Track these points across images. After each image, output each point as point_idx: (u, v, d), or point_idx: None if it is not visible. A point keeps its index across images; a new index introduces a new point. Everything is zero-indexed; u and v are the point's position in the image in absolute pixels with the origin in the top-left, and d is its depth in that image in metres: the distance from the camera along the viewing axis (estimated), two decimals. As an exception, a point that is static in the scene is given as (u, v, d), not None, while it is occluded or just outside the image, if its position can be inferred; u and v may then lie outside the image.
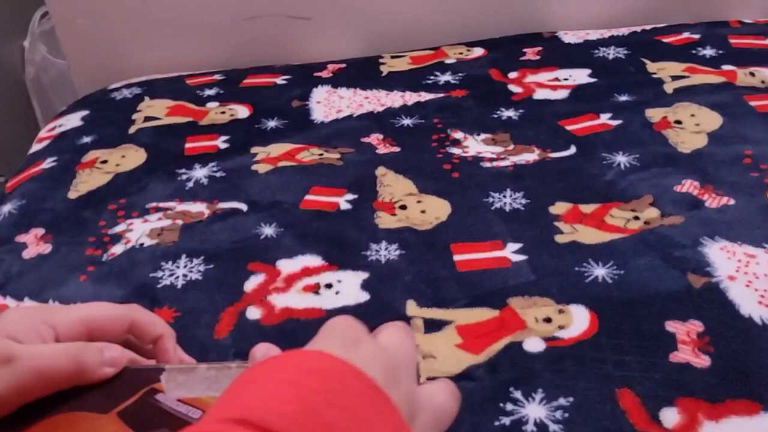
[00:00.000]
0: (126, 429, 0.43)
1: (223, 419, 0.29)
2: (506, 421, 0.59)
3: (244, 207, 0.88)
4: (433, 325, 0.69)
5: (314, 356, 0.34)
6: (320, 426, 0.29)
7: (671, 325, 0.66)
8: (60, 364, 0.42)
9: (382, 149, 0.98)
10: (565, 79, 1.13)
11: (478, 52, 1.25)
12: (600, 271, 0.73)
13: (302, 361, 0.33)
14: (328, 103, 1.12)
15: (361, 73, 1.21)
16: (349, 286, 0.75)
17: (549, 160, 0.93)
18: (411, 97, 1.11)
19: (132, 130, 1.09)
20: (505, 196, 0.86)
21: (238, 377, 0.34)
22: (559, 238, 0.79)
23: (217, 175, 0.95)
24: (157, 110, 1.14)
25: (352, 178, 0.92)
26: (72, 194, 0.94)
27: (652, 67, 1.13)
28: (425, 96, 1.11)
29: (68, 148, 1.07)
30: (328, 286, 0.75)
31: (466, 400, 0.61)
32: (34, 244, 0.86)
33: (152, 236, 0.84)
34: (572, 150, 0.95)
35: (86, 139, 1.08)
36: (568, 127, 1.00)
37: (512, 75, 1.16)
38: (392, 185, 0.90)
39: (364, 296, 0.73)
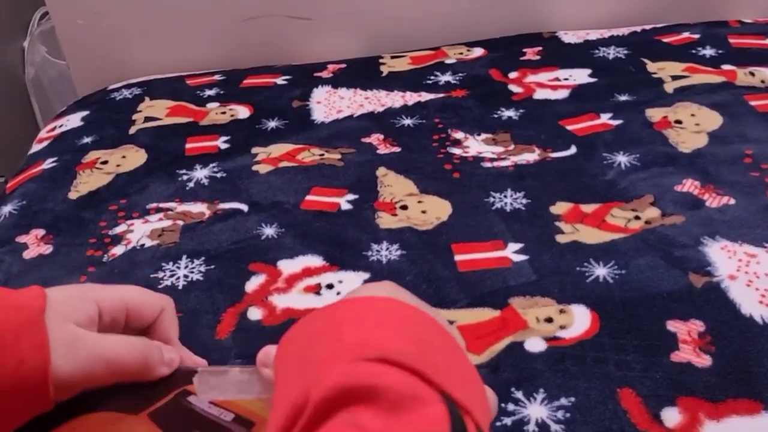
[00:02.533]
0: (157, 430, 0.43)
1: (359, 358, 0.30)
2: (508, 421, 0.59)
3: (244, 207, 0.88)
4: (434, 325, 0.69)
5: (392, 304, 0.36)
6: (433, 364, 0.31)
7: (672, 325, 0.66)
8: (128, 358, 0.43)
9: (382, 149, 0.99)
10: (566, 79, 1.13)
11: (479, 52, 1.25)
12: (601, 271, 0.73)
13: (384, 308, 0.35)
14: (329, 104, 1.12)
15: (361, 73, 1.21)
16: (350, 287, 0.74)
17: (549, 160, 0.93)
18: (411, 98, 1.12)
19: (132, 130, 1.09)
20: (505, 196, 0.86)
21: (325, 318, 0.35)
22: (560, 238, 0.79)
23: (218, 175, 0.95)
24: (158, 111, 1.14)
25: (352, 178, 0.92)
26: (72, 195, 0.94)
27: (652, 66, 1.14)
28: (425, 96, 1.12)
29: (68, 148, 1.07)
30: (330, 286, 0.75)
31: (467, 400, 0.61)
32: (34, 244, 0.86)
33: (153, 237, 0.84)
34: (573, 150, 0.95)
35: (86, 140, 1.08)
36: (569, 127, 1.00)
37: (512, 75, 1.16)
38: (393, 185, 0.90)
39: (365, 296, 0.73)
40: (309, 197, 0.89)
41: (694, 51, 1.17)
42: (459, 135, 1.00)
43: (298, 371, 0.32)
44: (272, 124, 1.08)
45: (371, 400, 0.29)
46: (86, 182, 0.97)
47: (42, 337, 0.39)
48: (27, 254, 0.84)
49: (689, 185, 0.85)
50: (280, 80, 1.21)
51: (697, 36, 1.22)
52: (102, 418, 0.43)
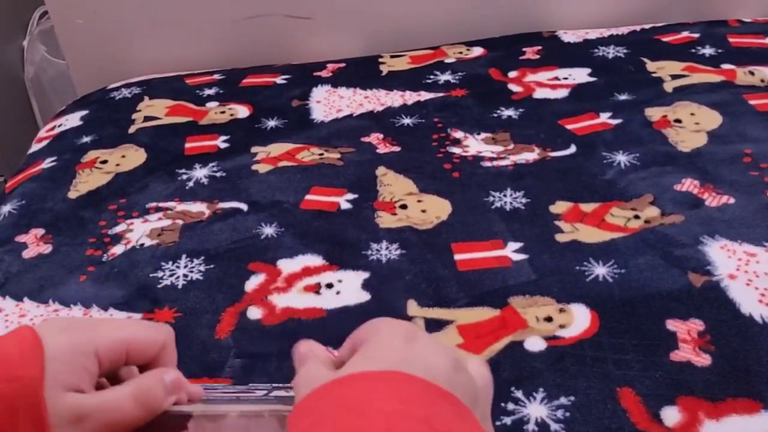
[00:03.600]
0: None
1: None
2: (507, 420, 0.59)
3: (244, 207, 0.88)
4: (434, 325, 0.69)
5: (403, 381, 0.35)
6: None
7: (672, 324, 0.66)
8: (130, 413, 0.41)
9: (382, 149, 0.98)
10: (565, 79, 1.13)
11: (478, 51, 1.25)
12: (600, 270, 0.73)
13: (394, 388, 0.34)
14: (328, 103, 1.12)
15: (360, 72, 1.21)
16: (349, 286, 0.75)
17: (549, 159, 0.93)
18: (411, 97, 1.11)
19: (132, 129, 1.09)
20: (505, 196, 0.86)
21: (324, 401, 0.34)
22: (560, 237, 0.79)
23: (218, 174, 0.95)
24: (157, 110, 1.14)
25: (352, 177, 0.92)
26: (72, 194, 0.94)
27: (651, 66, 1.14)
28: (425, 95, 1.11)
29: (68, 147, 1.07)
30: (329, 285, 0.75)
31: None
32: (34, 244, 0.86)
33: (152, 236, 0.84)
34: (572, 149, 0.95)
35: (86, 139, 1.08)
36: (568, 126, 1.00)
37: (512, 74, 1.16)
38: (392, 185, 0.90)
39: (364, 296, 0.73)
40: (308, 197, 0.89)
41: (693, 50, 1.17)
42: (458, 134, 1.00)
43: None
44: (272, 123, 1.08)
45: None
46: (86, 181, 0.97)
47: (42, 415, 0.37)
48: (26, 253, 0.84)
49: (689, 184, 0.85)
50: (279, 79, 1.21)
51: (696, 35, 1.22)
52: None
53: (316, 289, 0.74)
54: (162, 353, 0.45)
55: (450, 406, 0.34)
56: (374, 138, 1.01)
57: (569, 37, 1.27)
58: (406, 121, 1.05)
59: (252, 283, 0.76)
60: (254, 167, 0.96)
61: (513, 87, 1.12)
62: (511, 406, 0.60)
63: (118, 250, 0.82)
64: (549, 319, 0.68)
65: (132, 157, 1.02)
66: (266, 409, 0.44)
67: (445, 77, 1.17)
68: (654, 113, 1.00)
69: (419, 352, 0.37)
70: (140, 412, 0.41)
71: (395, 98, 1.11)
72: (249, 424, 0.44)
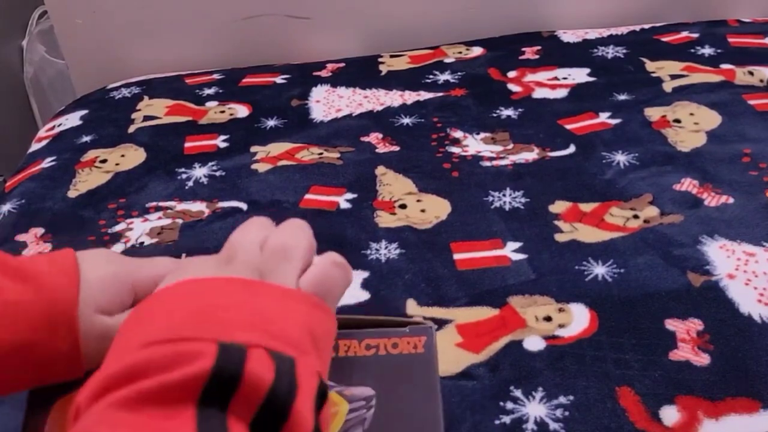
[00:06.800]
0: None
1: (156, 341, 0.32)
2: (507, 419, 0.59)
3: (244, 206, 0.88)
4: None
5: (191, 286, 0.38)
6: (207, 325, 0.33)
7: (671, 324, 0.66)
8: None
9: (381, 148, 0.99)
10: (564, 78, 1.13)
11: (477, 51, 1.25)
12: (600, 270, 0.73)
13: (182, 291, 0.38)
14: (328, 103, 1.12)
15: (360, 72, 1.21)
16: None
17: (548, 159, 0.93)
18: (410, 96, 1.12)
19: (131, 129, 1.09)
20: (504, 195, 0.86)
21: (142, 309, 0.37)
22: (559, 237, 0.79)
23: (217, 174, 0.95)
24: (157, 110, 1.14)
25: (351, 177, 0.92)
26: (71, 193, 0.94)
27: (651, 66, 1.14)
28: (424, 95, 1.12)
29: (67, 147, 1.07)
30: (329, 285, 0.75)
31: (466, 399, 0.61)
32: (33, 243, 0.86)
33: (152, 235, 0.84)
34: (571, 149, 0.95)
35: (85, 139, 1.08)
36: (568, 126, 1.00)
37: (511, 74, 1.16)
38: (392, 184, 0.90)
39: (364, 295, 0.73)
40: (308, 196, 0.89)
41: (692, 50, 1.17)
42: (458, 134, 1.00)
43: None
44: (271, 123, 1.08)
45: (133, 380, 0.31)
46: (85, 181, 0.97)
47: (75, 329, 0.41)
48: (26, 253, 0.84)
49: (688, 184, 0.85)
50: (279, 79, 1.21)
51: (696, 35, 1.22)
52: None
53: (315, 288, 0.74)
54: None
55: (233, 290, 0.37)
56: (374, 137, 1.01)
57: (569, 37, 1.27)
58: (406, 120, 1.05)
59: (251, 283, 0.76)
60: (254, 167, 0.96)
61: (512, 87, 1.12)
62: (510, 405, 0.60)
63: (117, 248, 0.82)
64: (548, 319, 0.68)
65: (131, 156, 1.02)
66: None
67: (445, 77, 1.17)
68: (653, 113, 1.00)
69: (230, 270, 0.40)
70: None
71: (395, 98, 1.12)
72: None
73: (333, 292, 0.40)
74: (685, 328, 0.66)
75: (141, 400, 0.29)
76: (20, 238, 0.87)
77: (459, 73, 1.17)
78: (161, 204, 0.90)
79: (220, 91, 1.19)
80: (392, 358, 0.45)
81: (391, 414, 0.43)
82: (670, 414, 0.59)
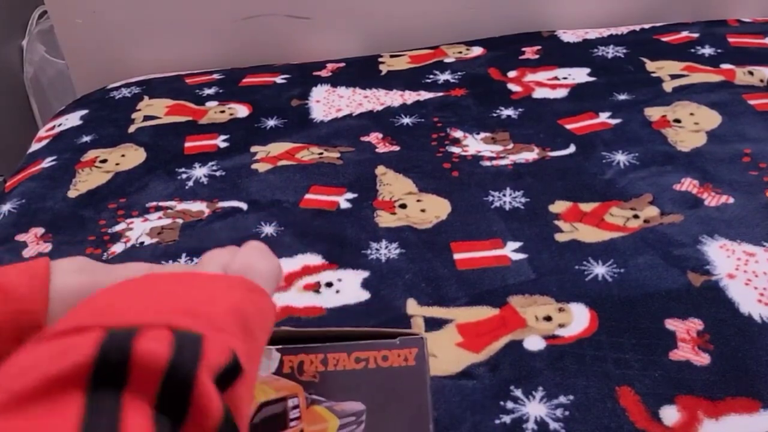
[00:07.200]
0: None
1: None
2: (507, 419, 0.59)
3: (244, 206, 0.88)
4: (433, 324, 0.69)
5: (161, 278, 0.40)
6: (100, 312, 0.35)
7: (671, 324, 0.66)
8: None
9: (381, 148, 0.99)
10: (564, 78, 1.13)
11: (477, 51, 1.25)
12: (600, 270, 0.73)
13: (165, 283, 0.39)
14: (328, 102, 1.12)
15: (360, 72, 1.21)
16: (349, 285, 0.75)
17: (548, 158, 0.93)
18: (410, 96, 1.12)
19: (131, 129, 1.09)
20: (504, 195, 0.86)
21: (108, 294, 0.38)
22: (559, 237, 0.79)
23: (217, 174, 0.95)
24: (157, 109, 1.14)
25: (351, 177, 0.92)
26: (72, 193, 0.94)
27: (651, 66, 1.14)
28: (425, 95, 1.12)
29: (67, 147, 1.07)
30: (329, 284, 0.75)
31: (466, 398, 0.61)
32: (33, 243, 0.86)
33: (152, 235, 0.84)
34: (572, 149, 0.95)
35: (86, 139, 1.08)
36: (568, 126, 1.00)
37: (511, 74, 1.16)
38: (392, 184, 0.90)
39: (364, 295, 0.73)
40: (308, 196, 0.89)
41: (693, 50, 1.17)
42: (458, 134, 1.00)
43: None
44: (271, 122, 1.08)
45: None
46: (85, 181, 0.97)
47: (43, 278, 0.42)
48: (26, 253, 0.84)
49: (688, 184, 0.85)
50: (279, 79, 1.21)
51: (696, 35, 1.22)
52: None
53: (315, 287, 0.75)
54: None
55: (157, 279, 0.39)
56: (374, 137, 1.01)
57: (569, 36, 1.27)
58: (406, 120, 1.05)
59: (252, 283, 0.76)
60: (254, 166, 0.96)
61: (512, 87, 1.12)
62: (510, 404, 0.60)
63: (117, 248, 0.83)
64: (548, 319, 0.68)
65: (132, 156, 1.02)
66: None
67: (445, 77, 1.17)
68: (653, 113, 1.01)
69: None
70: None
71: (395, 98, 1.12)
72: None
73: (261, 277, 0.42)
74: (685, 328, 0.66)
75: (21, 401, 0.29)
76: (20, 238, 0.87)
77: (459, 73, 1.17)
78: (161, 204, 0.90)
79: (220, 91, 1.19)
80: (382, 371, 0.44)
81: (382, 430, 0.42)
82: (670, 414, 0.59)
